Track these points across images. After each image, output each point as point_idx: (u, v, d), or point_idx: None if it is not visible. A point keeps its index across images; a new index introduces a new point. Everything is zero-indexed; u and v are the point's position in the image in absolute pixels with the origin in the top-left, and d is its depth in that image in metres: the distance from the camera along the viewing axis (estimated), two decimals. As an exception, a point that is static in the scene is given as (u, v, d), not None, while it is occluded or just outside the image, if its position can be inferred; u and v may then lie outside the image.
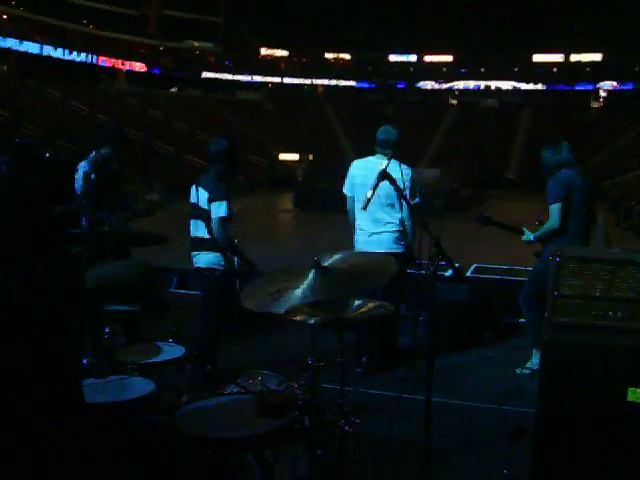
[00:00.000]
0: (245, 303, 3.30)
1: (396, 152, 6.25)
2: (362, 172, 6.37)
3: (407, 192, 6.06)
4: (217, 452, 2.99)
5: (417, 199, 6.33)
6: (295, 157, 57.90)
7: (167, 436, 3.06)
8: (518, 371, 6.37)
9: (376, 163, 6.25)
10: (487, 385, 6.14)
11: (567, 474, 3.68)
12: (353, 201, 6.52)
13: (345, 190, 6.60)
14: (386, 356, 6.52)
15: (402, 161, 6.26)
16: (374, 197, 5.91)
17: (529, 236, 6.34)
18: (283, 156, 59.54)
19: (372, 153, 6.55)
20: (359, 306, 3.59)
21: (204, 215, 5.68)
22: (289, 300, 3.19)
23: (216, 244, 5.67)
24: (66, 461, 2.48)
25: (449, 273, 6.81)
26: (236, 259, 5.82)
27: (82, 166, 6.42)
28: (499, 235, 7.14)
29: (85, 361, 3.71)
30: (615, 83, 70.79)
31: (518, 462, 4.35)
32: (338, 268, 3.39)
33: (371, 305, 3.62)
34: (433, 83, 76.80)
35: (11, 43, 57.24)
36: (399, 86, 77.23)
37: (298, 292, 3.20)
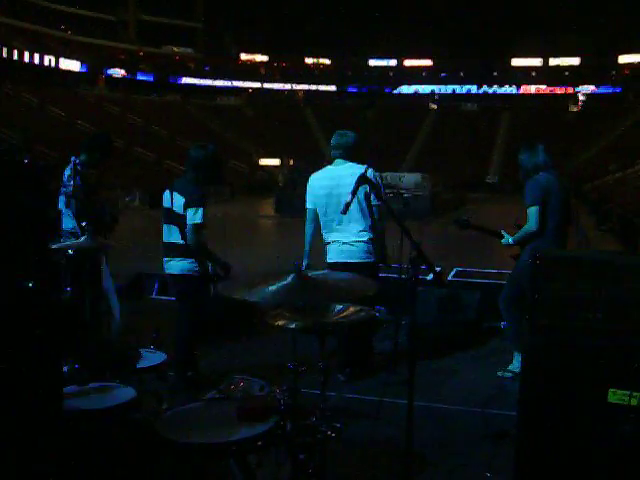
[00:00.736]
0: (220, 290, 3.33)
1: (351, 155, 6.24)
2: (323, 182, 6.29)
3: (360, 196, 5.98)
4: (199, 458, 2.98)
5: (376, 202, 6.12)
6: (275, 162, 57.89)
7: (148, 442, 3.05)
8: (500, 374, 6.38)
9: (336, 170, 6.24)
10: (469, 388, 6.15)
11: (549, 476, 3.69)
12: (314, 214, 6.38)
13: (308, 205, 6.47)
14: (362, 356, 6.45)
15: (361, 163, 6.09)
16: (356, 202, 5.95)
17: (508, 239, 6.36)
18: (263, 161, 59.54)
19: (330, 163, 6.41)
20: (340, 311, 3.59)
21: (179, 220, 5.61)
22: (263, 293, 3.19)
23: (189, 250, 5.64)
24: (44, 466, 2.47)
25: (430, 277, 6.86)
26: (210, 264, 5.77)
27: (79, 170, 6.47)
28: (480, 239, 7.16)
29: (65, 368, 3.68)
30: (593, 87, 71.40)
31: (501, 465, 4.36)
32: (317, 277, 3.42)
33: (352, 309, 3.62)
34: (413, 87, 77.09)
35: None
36: (379, 90, 77.47)
37: (272, 288, 3.21)
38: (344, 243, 6.18)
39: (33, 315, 2.50)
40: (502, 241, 6.43)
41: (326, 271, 3.69)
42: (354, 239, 6.14)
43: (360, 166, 5.91)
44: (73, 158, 6.47)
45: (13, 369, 2.44)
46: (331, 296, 3.51)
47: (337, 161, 6.32)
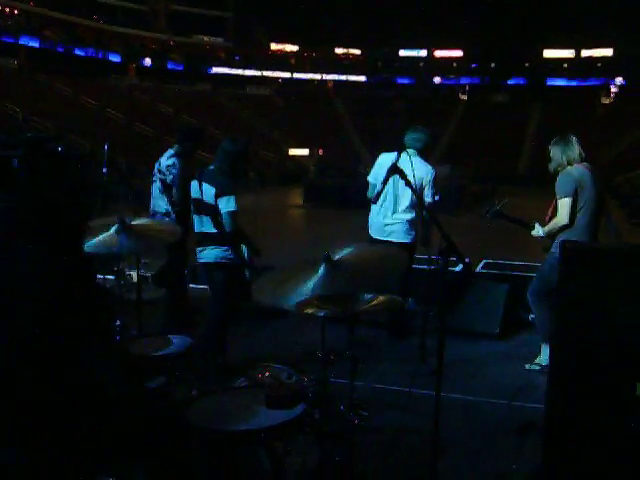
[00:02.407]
0: (256, 296, 3.35)
1: (422, 150, 6.89)
2: (389, 163, 6.45)
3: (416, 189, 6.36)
4: (227, 444, 3.01)
5: (428, 199, 6.71)
6: (305, 152, 57.85)
7: (177, 428, 3.08)
8: (527, 367, 6.37)
9: (404, 159, 6.51)
10: (496, 381, 6.14)
11: (576, 469, 3.68)
12: (374, 188, 6.86)
13: (369, 177, 7.00)
14: (395, 335, 7.19)
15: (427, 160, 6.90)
16: (388, 189, 6.36)
17: (538, 231, 6.32)
18: (293, 151, 59.52)
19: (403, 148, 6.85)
20: (369, 299, 3.60)
21: (210, 210, 5.66)
22: (299, 294, 3.21)
23: (223, 238, 5.68)
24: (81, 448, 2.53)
25: (459, 268, 6.88)
26: (245, 251, 5.81)
27: (176, 161, 7.28)
28: (508, 231, 7.14)
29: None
30: (626, 78, 70.41)
31: (527, 457, 4.37)
32: (349, 263, 3.41)
33: (381, 299, 3.63)
34: (443, 78, 76.62)
35: (22, 38, 57.54)
36: (409, 81, 77.10)
37: (308, 286, 3.22)
38: (386, 224, 6.86)
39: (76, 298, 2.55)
40: (532, 232, 6.39)
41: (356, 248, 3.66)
42: (393, 221, 6.82)
43: (426, 165, 6.85)
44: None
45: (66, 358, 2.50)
46: (362, 283, 3.51)
47: (410, 151, 6.80)
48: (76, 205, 2.68)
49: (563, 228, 6.05)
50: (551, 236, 6.23)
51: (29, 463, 2.47)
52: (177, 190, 7.17)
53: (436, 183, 6.87)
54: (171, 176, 7.22)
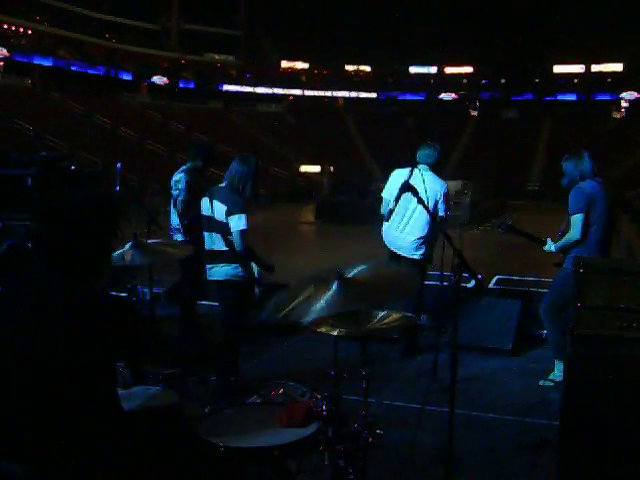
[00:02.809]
0: (267, 314, 3.35)
1: (433, 165, 7.02)
2: (401, 179, 6.57)
3: (430, 204, 6.47)
4: (241, 462, 3.00)
5: (441, 213, 6.81)
6: (316, 169, 57.93)
7: (190, 446, 3.08)
8: (541, 383, 6.33)
9: (417, 175, 6.67)
10: (510, 397, 6.11)
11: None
12: (387, 204, 6.93)
13: (383, 193, 7.14)
14: (407, 353, 7.16)
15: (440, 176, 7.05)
16: (400, 207, 6.55)
17: (550, 246, 6.31)
18: (304, 168, 59.61)
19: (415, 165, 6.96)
20: (382, 317, 3.60)
21: (221, 228, 5.65)
22: (312, 311, 3.20)
23: (233, 256, 5.67)
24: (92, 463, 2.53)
25: (471, 284, 6.87)
26: (255, 268, 5.81)
27: (183, 177, 7.32)
28: (521, 247, 7.13)
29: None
30: (637, 93, 70.29)
31: (541, 474, 4.34)
32: (361, 280, 3.40)
33: (394, 316, 3.62)
34: (453, 94, 76.69)
35: (35, 57, 58.09)
36: (419, 98, 77.22)
37: (321, 304, 3.21)
38: (397, 237, 7.00)
39: (91, 313, 2.56)
40: (544, 248, 6.38)
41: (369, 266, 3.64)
42: (405, 237, 6.95)
43: (439, 180, 7.00)
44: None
45: (73, 369, 2.50)
46: (375, 300, 3.50)
47: (422, 166, 6.95)
48: (92, 224, 2.69)
49: (575, 244, 6.03)
50: (563, 251, 6.22)
51: (30, 466, 2.47)
52: (180, 202, 7.25)
53: (447, 198, 6.95)
54: (177, 190, 7.31)
